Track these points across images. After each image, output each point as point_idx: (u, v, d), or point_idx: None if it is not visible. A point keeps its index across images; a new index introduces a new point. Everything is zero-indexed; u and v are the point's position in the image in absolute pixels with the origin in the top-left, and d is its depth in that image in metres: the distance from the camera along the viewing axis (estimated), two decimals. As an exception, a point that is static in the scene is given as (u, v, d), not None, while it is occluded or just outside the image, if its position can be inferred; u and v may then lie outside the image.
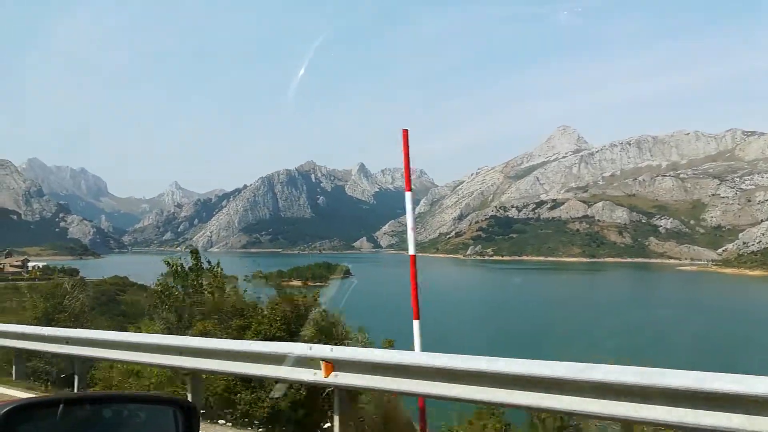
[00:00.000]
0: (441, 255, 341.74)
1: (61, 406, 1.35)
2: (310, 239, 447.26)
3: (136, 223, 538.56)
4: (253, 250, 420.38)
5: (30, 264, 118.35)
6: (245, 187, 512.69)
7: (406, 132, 6.49)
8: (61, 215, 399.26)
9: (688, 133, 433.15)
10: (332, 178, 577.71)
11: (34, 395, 7.30)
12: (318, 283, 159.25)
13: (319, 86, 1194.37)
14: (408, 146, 6.51)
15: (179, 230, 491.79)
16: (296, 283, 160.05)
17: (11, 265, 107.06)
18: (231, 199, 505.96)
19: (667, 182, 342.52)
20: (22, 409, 1.25)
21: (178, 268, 10.88)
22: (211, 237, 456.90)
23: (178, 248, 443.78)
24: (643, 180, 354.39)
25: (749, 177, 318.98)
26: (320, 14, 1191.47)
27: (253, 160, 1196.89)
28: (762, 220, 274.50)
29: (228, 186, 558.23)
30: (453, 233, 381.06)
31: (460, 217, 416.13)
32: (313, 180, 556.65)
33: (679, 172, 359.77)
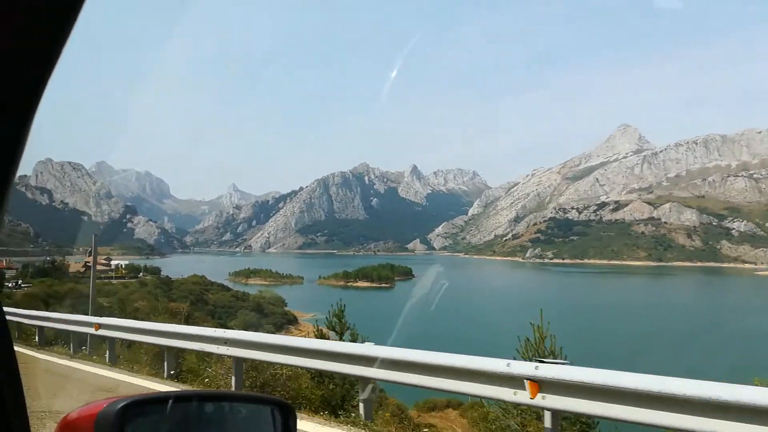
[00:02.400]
0: (498, 257, 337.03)
1: (171, 401, 1.42)
2: (364, 240, 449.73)
3: (197, 224, 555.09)
4: (309, 251, 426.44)
5: (113, 262, 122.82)
6: (301, 189, 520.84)
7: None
8: (128, 216, 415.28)
9: (760, 132, 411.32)
10: (385, 180, 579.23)
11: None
12: (384, 284, 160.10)
13: (374, 89, 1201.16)
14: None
15: (238, 231, 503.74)
16: (363, 283, 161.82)
17: (100, 264, 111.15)
18: (287, 201, 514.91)
19: (740, 183, 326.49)
20: (137, 404, 1.34)
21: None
22: (268, 238, 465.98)
23: (237, 248, 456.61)
24: (713, 180, 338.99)
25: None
26: (375, 20, 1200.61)
27: (308, 163, 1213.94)
28: None
29: (284, 188, 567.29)
30: (510, 235, 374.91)
31: (517, 219, 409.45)
32: (367, 182, 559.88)
33: (752, 172, 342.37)
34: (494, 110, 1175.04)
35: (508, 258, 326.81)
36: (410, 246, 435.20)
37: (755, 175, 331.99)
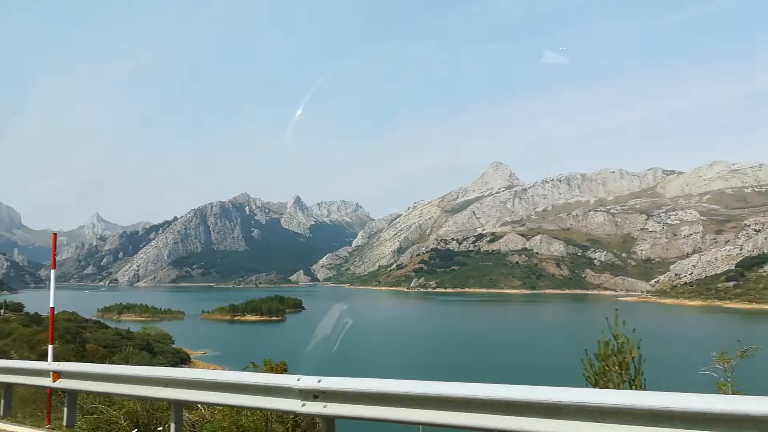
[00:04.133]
0: (383, 287, 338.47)
1: None
2: (245, 273, 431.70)
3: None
4: (183, 285, 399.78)
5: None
6: (175, 219, 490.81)
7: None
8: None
9: (614, 171, 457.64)
10: (267, 210, 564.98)
11: None
12: (275, 317, 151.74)
13: (259, 121, 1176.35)
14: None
15: (102, 264, 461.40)
16: (251, 317, 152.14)
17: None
18: (160, 231, 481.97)
19: (599, 217, 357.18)
20: None
21: None
22: (137, 271, 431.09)
23: (101, 282, 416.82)
24: (577, 215, 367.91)
25: (673, 212, 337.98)
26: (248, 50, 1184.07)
27: (183, 192, 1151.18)
28: (688, 253, 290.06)
29: (155, 218, 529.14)
30: (394, 266, 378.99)
31: (400, 250, 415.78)
32: (248, 212, 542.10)
33: (608, 207, 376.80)
34: (377, 145, 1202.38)
35: (393, 288, 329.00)
36: (293, 278, 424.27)
37: (611, 210, 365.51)
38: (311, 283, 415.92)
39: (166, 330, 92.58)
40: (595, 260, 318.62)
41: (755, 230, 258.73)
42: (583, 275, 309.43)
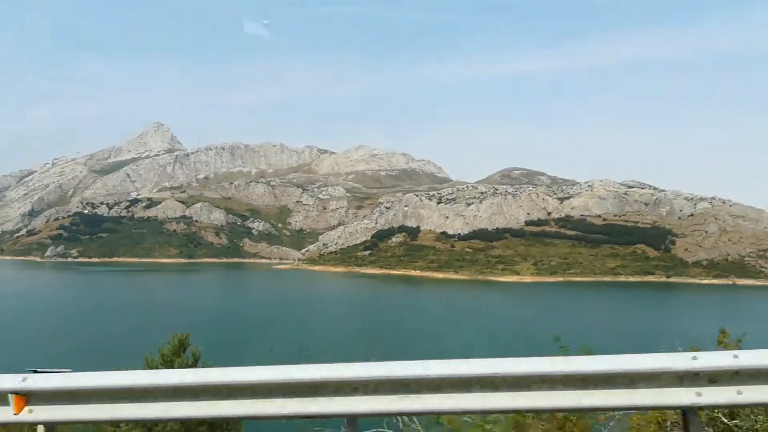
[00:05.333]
0: (7, 257, 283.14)
1: None
2: None
3: None
4: None
5: None
6: None
7: None
8: None
9: (275, 145, 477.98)
10: None
11: None
12: None
13: None
14: None
15: None
16: None
17: None
18: None
19: (260, 188, 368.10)
20: None
21: None
22: None
23: None
24: (239, 184, 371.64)
25: (324, 188, 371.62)
26: None
27: None
28: (334, 225, 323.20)
29: None
30: (24, 231, 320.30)
31: (32, 213, 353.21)
32: None
33: (269, 180, 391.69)
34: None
35: (22, 258, 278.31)
36: None
37: (271, 183, 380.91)
38: None
39: None
40: (254, 230, 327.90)
41: (386, 207, 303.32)
42: (242, 244, 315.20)
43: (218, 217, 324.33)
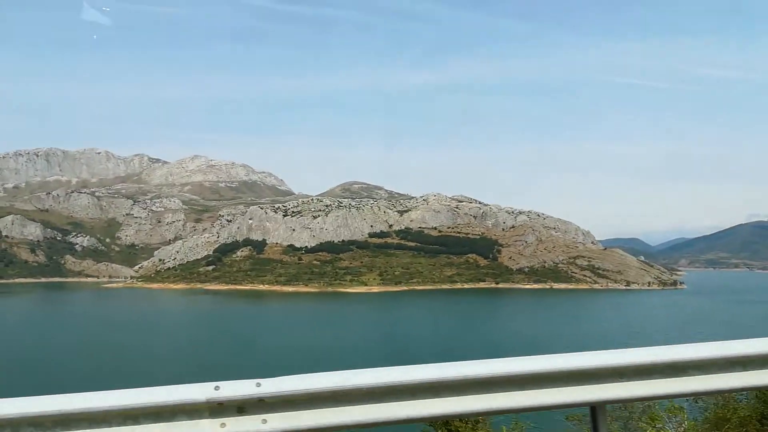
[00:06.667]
0: None
1: None
2: None
3: None
4: None
5: None
6: None
7: None
8: None
9: (100, 152, 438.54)
10: None
11: None
12: None
13: None
14: None
15: None
16: None
17: None
18: None
19: (83, 199, 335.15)
20: None
21: None
22: None
23: None
24: (57, 195, 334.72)
25: (158, 200, 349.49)
26: None
27: None
28: (170, 240, 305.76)
29: None
30: None
31: None
32: None
33: (93, 190, 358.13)
34: None
35: None
36: None
37: (97, 193, 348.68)
38: None
39: None
40: (77, 245, 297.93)
41: (228, 220, 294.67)
42: (63, 261, 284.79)
43: (34, 231, 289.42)
